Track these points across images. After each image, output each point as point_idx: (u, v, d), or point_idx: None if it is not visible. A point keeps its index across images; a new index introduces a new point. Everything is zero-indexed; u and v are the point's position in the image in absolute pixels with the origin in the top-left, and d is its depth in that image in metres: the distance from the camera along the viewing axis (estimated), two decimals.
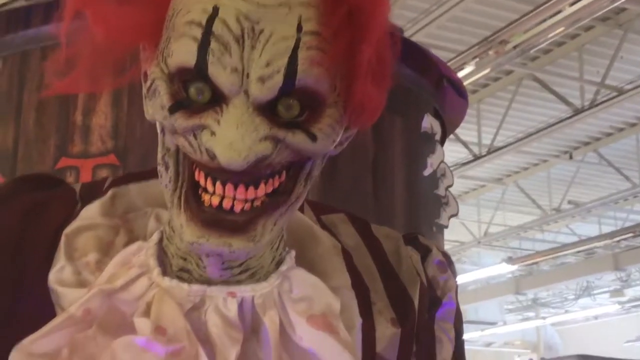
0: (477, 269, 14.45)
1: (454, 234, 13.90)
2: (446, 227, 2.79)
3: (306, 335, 0.94)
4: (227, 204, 0.86)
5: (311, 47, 0.83)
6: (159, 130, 0.91)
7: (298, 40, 0.83)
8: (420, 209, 2.67)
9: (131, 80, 0.96)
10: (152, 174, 1.02)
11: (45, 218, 1.00)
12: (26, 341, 0.88)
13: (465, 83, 8.22)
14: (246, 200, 0.87)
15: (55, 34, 0.94)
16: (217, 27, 0.82)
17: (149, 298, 0.92)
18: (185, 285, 0.92)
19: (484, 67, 7.12)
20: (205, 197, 0.87)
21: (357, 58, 0.87)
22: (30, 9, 2.50)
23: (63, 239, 0.97)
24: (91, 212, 1.01)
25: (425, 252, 1.18)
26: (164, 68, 0.86)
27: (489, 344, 19.81)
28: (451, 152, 10.83)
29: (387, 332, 1.05)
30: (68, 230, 0.97)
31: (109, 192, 1.02)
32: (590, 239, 12.79)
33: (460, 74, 7.08)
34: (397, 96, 2.63)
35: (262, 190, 0.87)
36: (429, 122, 2.75)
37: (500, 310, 17.39)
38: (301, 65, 0.83)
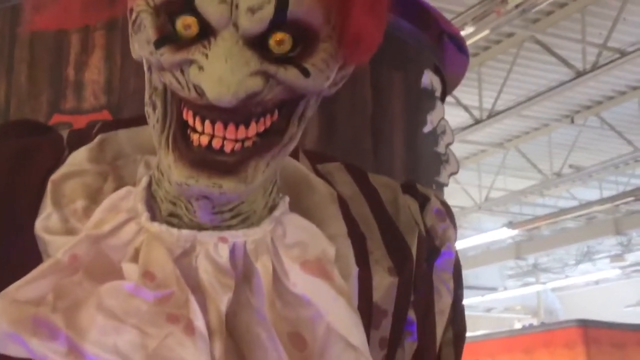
0: (478, 234, 14.47)
1: (455, 199, 13.89)
2: (446, 185, 2.75)
3: (300, 281, 0.92)
4: (216, 144, 0.83)
5: None
6: (145, 69, 0.89)
7: None
8: (420, 167, 2.62)
9: (122, 12, 0.92)
10: (142, 120, 0.99)
11: (34, 164, 0.98)
12: (11, 288, 0.86)
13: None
14: (236, 140, 0.84)
15: None
16: None
17: (138, 243, 0.90)
18: (174, 231, 0.90)
19: (484, 28, 7.06)
20: (194, 137, 0.84)
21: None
22: None
23: (50, 185, 0.94)
24: (79, 159, 0.98)
25: (423, 201, 1.16)
26: (150, 1, 0.83)
27: (489, 310, 19.89)
28: (452, 116, 10.76)
29: (384, 282, 1.03)
30: (55, 176, 0.95)
31: (97, 138, 1.00)
32: (591, 203, 12.79)
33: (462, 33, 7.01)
34: (396, 51, 2.58)
35: (253, 129, 0.84)
36: (429, 78, 2.69)
37: (501, 275, 17.44)
38: None
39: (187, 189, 0.85)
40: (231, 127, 0.83)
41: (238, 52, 0.79)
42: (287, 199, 0.99)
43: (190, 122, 0.84)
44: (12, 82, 2.33)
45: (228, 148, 0.84)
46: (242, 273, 0.92)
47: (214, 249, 0.90)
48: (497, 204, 14.07)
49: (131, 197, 0.94)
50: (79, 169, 0.97)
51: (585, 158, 12.46)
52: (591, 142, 12.05)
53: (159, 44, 0.82)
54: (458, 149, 12.05)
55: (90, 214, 0.94)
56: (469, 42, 7.38)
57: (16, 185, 0.96)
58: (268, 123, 0.87)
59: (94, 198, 0.96)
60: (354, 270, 1.01)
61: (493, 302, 18.27)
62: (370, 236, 1.07)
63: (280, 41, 0.82)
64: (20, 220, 0.94)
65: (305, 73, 0.84)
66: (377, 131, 2.42)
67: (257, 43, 0.81)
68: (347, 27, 0.85)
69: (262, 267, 0.91)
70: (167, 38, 0.82)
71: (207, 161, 0.84)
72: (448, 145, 2.77)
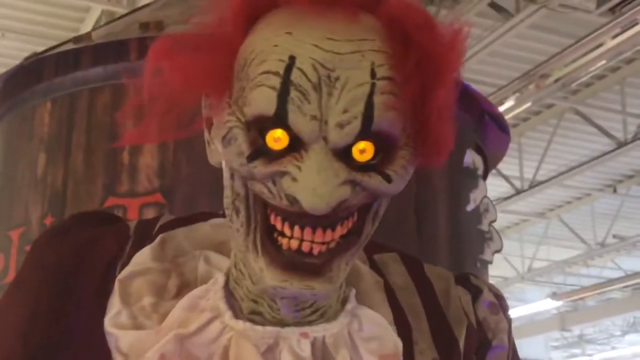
0: (522, 305, 14.24)
1: (497, 270, 13.75)
2: (490, 262, 2.77)
3: None
4: (306, 247, 0.87)
5: (385, 92, 0.85)
6: (227, 176, 0.92)
7: (373, 86, 0.85)
8: (463, 245, 2.65)
9: (199, 129, 0.98)
10: (197, 218, 1.05)
11: (98, 252, 1.02)
12: None
13: (506, 117, 8.20)
14: (323, 243, 0.88)
15: (131, 86, 0.96)
16: (295, 75, 0.84)
17: (224, 342, 0.93)
18: (259, 328, 0.94)
19: (525, 101, 7.11)
20: (283, 241, 0.88)
21: (432, 102, 0.89)
22: (79, 51, 2.57)
23: (117, 284, 0.98)
24: (143, 258, 1.03)
25: (476, 293, 1.17)
26: (240, 117, 0.87)
27: None
28: (493, 186, 10.77)
29: None
30: (122, 276, 0.99)
31: (159, 238, 1.04)
32: (637, 274, 12.56)
33: (501, 108, 7.07)
34: None
35: (339, 232, 0.89)
36: (471, 158, 2.74)
37: (546, 347, 17.10)
38: (377, 111, 0.85)
39: (281, 292, 0.89)
40: (319, 231, 0.87)
41: (328, 164, 0.84)
42: (354, 291, 1.03)
43: (279, 227, 0.88)
44: (69, 166, 2.42)
45: (316, 251, 0.88)
46: None
47: (296, 344, 0.94)
48: (541, 274, 13.90)
49: (210, 296, 0.97)
50: (143, 267, 1.01)
51: (629, 227, 12.31)
52: (635, 211, 11.92)
53: (252, 157, 0.86)
54: (500, 219, 11.98)
55: (158, 309, 0.97)
56: (509, 115, 7.44)
57: (79, 272, 1.01)
58: (350, 225, 0.91)
59: (160, 294, 0.99)
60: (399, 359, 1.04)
61: None
62: (417, 327, 1.09)
63: (363, 150, 0.86)
64: (84, 304, 0.98)
65: (388, 179, 0.88)
66: (420, 211, 2.46)
67: (343, 153, 0.86)
68: (427, 137, 0.91)
69: (336, 355, 0.94)
70: (259, 151, 0.86)
71: (297, 264, 0.88)
72: (491, 222, 2.80)
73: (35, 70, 2.60)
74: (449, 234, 2.56)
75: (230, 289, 0.97)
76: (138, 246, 1.04)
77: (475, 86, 7.76)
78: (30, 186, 2.50)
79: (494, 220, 2.82)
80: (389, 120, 0.86)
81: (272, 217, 0.89)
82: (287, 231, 0.87)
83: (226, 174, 0.92)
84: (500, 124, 2.93)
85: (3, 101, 2.71)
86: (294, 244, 0.87)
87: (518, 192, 10.18)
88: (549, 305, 13.71)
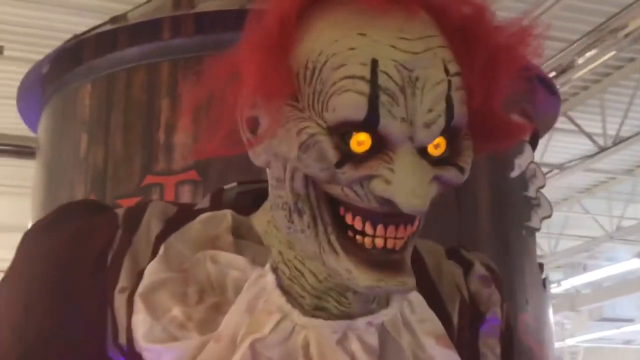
0: (612, 264, 13.91)
1: (585, 229, 13.43)
2: (538, 229, 2.72)
3: (437, 354, 0.99)
4: (391, 244, 0.89)
5: (458, 87, 0.86)
6: (284, 177, 0.91)
7: (449, 83, 0.86)
8: (507, 212, 2.61)
9: (268, 138, 0.94)
10: (183, 215, 1.05)
11: (88, 243, 1.03)
12: None
13: (584, 72, 7.98)
14: (402, 238, 0.90)
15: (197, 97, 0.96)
16: (382, 79, 0.84)
17: (300, 341, 0.95)
18: (330, 322, 0.95)
19: (600, 56, 6.86)
20: (366, 241, 0.89)
21: (496, 95, 0.91)
22: (116, 32, 2.61)
23: (140, 300, 0.98)
24: (155, 270, 1.02)
25: (467, 267, 1.17)
26: (320, 122, 0.87)
27: (628, 342, 19.06)
28: (576, 144, 10.48)
29: None
30: (142, 290, 0.99)
31: (161, 249, 1.04)
32: None
33: (581, 61, 6.92)
34: None
35: (415, 225, 0.91)
36: None
37: (638, 306, 16.70)
38: (456, 107, 0.86)
39: (377, 291, 0.91)
40: (402, 228, 0.89)
41: (418, 164, 0.85)
42: None
43: (358, 227, 0.89)
44: (108, 146, 2.48)
45: (398, 246, 0.89)
46: (380, 350, 0.97)
47: (365, 333, 0.96)
48: (632, 232, 13.52)
49: (267, 296, 0.97)
50: (160, 279, 1.00)
51: None
52: None
53: (341, 162, 0.86)
54: (586, 177, 11.66)
55: (192, 317, 0.97)
56: (586, 70, 7.22)
57: (71, 264, 1.02)
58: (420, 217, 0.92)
59: (185, 302, 0.99)
60: None
61: (632, 334, 17.49)
62: (410, 302, 1.09)
63: (437, 145, 0.88)
64: (80, 291, 1.00)
65: (462, 171, 0.89)
66: None
67: (422, 150, 0.87)
68: (493, 126, 0.93)
69: (407, 343, 0.98)
70: (347, 157, 0.86)
71: (385, 262, 0.89)
72: (539, 188, 2.74)
73: (75, 53, 2.66)
74: (490, 201, 2.51)
75: (285, 287, 0.98)
76: (128, 234, 1.05)
77: (549, 42, 7.52)
78: (75, 166, 2.57)
79: (543, 186, 2.76)
80: (464, 114, 0.87)
81: (348, 218, 0.89)
82: (369, 230, 0.88)
83: (279, 174, 0.92)
84: (548, 85, 2.84)
85: (49, 84, 2.78)
86: (379, 242, 0.88)
87: (602, 149, 9.88)
88: (637, 264, 13.34)
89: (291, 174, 0.90)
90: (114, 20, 2.61)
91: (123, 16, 2.61)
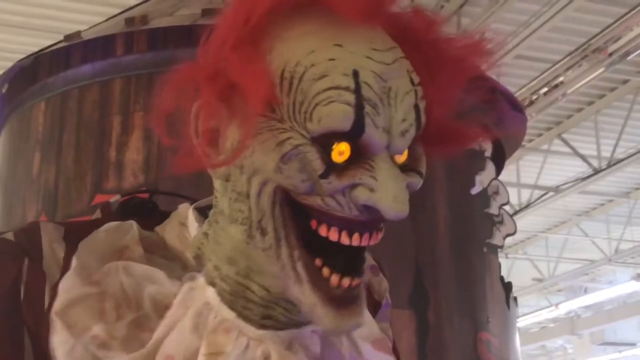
0: (611, 287, 13.82)
1: (584, 253, 13.40)
2: (501, 247, 2.67)
3: (373, 358, 1.01)
4: (356, 284, 0.90)
5: (422, 96, 0.89)
6: (254, 192, 0.90)
7: (415, 93, 0.88)
8: (467, 229, 2.57)
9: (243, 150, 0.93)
10: (79, 232, 1.00)
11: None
12: None
13: (577, 92, 7.96)
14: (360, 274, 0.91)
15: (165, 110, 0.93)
16: (364, 90, 0.84)
17: (258, 355, 0.95)
18: (280, 333, 0.96)
19: (585, 76, 6.88)
20: (333, 278, 0.89)
21: (446, 103, 0.93)
22: (70, 49, 2.59)
23: (56, 318, 0.94)
24: (71, 284, 0.99)
25: None
26: (304, 133, 0.86)
27: None
28: (570, 167, 10.46)
29: None
30: (57, 308, 0.95)
31: (74, 263, 1.00)
32: None
33: (570, 81, 6.95)
34: None
35: (382, 231, 0.92)
36: None
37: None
38: (422, 116, 0.88)
39: (339, 332, 0.95)
40: (375, 234, 0.90)
41: (397, 172, 0.87)
42: None
43: (333, 237, 0.88)
44: (60, 164, 2.45)
45: (355, 284, 0.90)
46: (325, 356, 0.99)
47: (310, 341, 0.97)
48: (631, 254, 13.45)
49: (214, 313, 0.96)
50: (77, 294, 0.96)
51: None
52: None
53: (326, 173, 0.86)
54: (582, 200, 11.61)
55: (114, 334, 0.94)
56: (579, 89, 7.22)
57: None
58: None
59: (104, 319, 0.96)
60: None
61: (634, 357, 17.35)
62: None
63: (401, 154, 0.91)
64: None
65: (422, 176, 0.92)
66: (416, 196, 2.36)
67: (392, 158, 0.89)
68: (442, 134, 0.94)
69: (346, 349, 0.99)
70: (331, 167, 0.86)
71: (347, 300, 0.90)
72: (502, 205, 2.70)
73: (31, 71, 2.65)
74: (449, 217, 2.48)
75: (227, 302, 0.96)
76: (36, 262, 1.01)
77: (537, 64, 7.52)
78: (27, 185, 2.55)
79: (506, 203, 2.72)
80: (425, 122, 0.89)
81: (322, 229, 0.89)
82: (345, 240, 0.88)
83: (242, 188, 0.90)
84: (512, 102, 2.81)
85: (7, 103, 2.77)
86: (346, 282, 0.89)
87: (596, 171, 9.85)
88: (636, 287, 13.25)
89: (258, 189, 0.88)
90: (67, 38, 2.59)
91: (77, 34, 2.59)
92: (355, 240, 0.88)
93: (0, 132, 2.88)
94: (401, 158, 0.89)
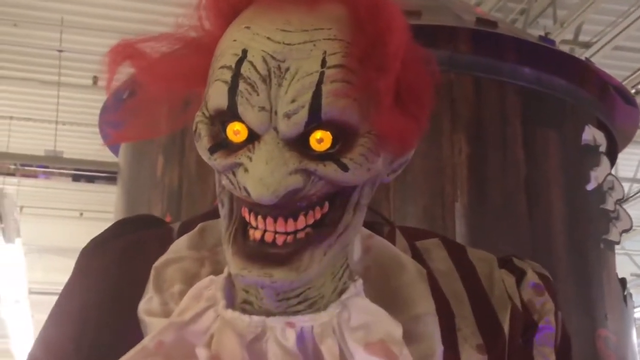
0: None
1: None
2: (617, 243, 2.64)
3: None
4: (268, 237, 0.89)
5: (336, 80, 0.85)
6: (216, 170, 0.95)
7: (322, 75, 0.85)
8: (583, 226, 2.54)
9: (185, 123, 1.01)
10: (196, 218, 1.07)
11: (142, 256, 1.06)
12: None
13: None
14: (287, 233, 0.89)
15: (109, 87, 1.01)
16: (244, 68, 0.85)
17: (214, 330, 0.96)
18: (246, 317, 0.95)
19: None
20: (250, 232, 0.90)
21: (379, 89, 0.88)
22: None
23: (153, 271, 1.02)
24: (179, 246, 1.06)
25: (520, 275, 1.14)
26: (205, 112, 0.90)
27: None
28: None
29: (472, 359, 1.03)
30: (157, 263, 1.03)
31: (198, 227, 1.07)
32: None
33: None
34: (550, 109, 2.54)
35: (302, 222, 0.90)
36: (591, 134, 2.62)
37: None
38: (325, 99, 0.85)
39: (242, 279, 0.90)
40: (280, 221, 0.88)
41: (278, 154, 0.85)
42: (360, 282, 1.02)
43: (247, 218, 0.90)
44: (183, 166, 2.54)
45: (280, 241, 0.88)
46: (312, 356, 0.96)
47: (281, 333, 0.95)
48: None
49: (212, 286, 1.00)
50: (178, 255, 1.03)
51: None
52: None
53: (212, 150, 0.88)
54: None
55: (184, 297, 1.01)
56: None
57: (125, 278, 1.04)
58: (318, 215, 0.91)
59: (190, 282, 1.02)
60: (439, 349, 1.02)
61: None
62: (460, 313, 1.07)
63: (320, 139, 0.87)
64: (132, 308, 1.02)
65: (344, 168, 0.88)
66: (532, 192, 2.38)
67: (299, 143, 0.86)
68: (378, 125, 0.90)
69: (327, 351, 0.95)
70: (219, 144, 0.88)
71: (260, 253, 0.89)
72: (618, 201, 2.67)
73: None
74: (565, 214, 2.46)
75: (233, 279, 0.98)
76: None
77: (636, 55, 7.24)
78: (151, 186, 2.65)
79: (622, 199, 2.68)
80: (341, 108, 0.85)
81: (242, 210, 0.90)
82: (252, 222, 0.89)
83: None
84: (625, 96, 2.77)
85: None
86: (257, 234, 0.88)
87: None
88: None
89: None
90: None
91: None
92: (260, 224, 0.87)
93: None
94: (322, 145, 0.86)
